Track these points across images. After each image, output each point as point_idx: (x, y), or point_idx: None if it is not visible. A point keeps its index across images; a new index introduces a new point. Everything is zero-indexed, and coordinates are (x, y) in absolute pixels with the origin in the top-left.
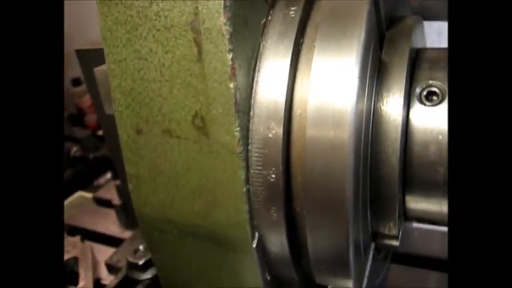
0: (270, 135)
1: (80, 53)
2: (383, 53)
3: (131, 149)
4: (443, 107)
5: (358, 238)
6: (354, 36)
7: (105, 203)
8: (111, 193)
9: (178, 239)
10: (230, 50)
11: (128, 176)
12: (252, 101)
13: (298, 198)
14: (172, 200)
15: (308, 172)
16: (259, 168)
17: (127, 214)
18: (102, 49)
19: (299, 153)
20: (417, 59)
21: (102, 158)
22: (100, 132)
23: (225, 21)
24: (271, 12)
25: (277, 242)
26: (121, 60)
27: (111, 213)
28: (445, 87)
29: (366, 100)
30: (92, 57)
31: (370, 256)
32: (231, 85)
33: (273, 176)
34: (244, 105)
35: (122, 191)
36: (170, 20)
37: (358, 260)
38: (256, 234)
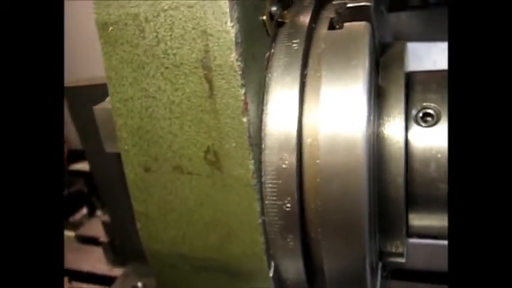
0: (284, 166)
1: (67, 90)
2: (380, 79)
3: (139, 187)
4: (440, 127)
5: (372, 259)
6: (359, 65)
7: (90, 241)
8: (94, 230)
9: (191, 274)
10: (243, 85)
11: (136, 214)
12: (263, 134)
13: (312, 224)
14: (184, 235)
15: (323, 198)
16: (274, 198)
17: (115, 251)
18: (91, 86)
19: (311, 180)
20: (409, 83)
21: (76, 193)
22: (73, 168)
23: (237, 57)
24: (273, 45)
25: (294, 269)
26: (127, 99)
27: (96, 251)
28: (439, 108)
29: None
30: (79, 95)
31: (379, 275)
32: (244, 119)
33: (288, 205)
34: (256, 138)
35: (110, 228)
36: (179, 58)
37: (372, 281)
38: (272, 264)
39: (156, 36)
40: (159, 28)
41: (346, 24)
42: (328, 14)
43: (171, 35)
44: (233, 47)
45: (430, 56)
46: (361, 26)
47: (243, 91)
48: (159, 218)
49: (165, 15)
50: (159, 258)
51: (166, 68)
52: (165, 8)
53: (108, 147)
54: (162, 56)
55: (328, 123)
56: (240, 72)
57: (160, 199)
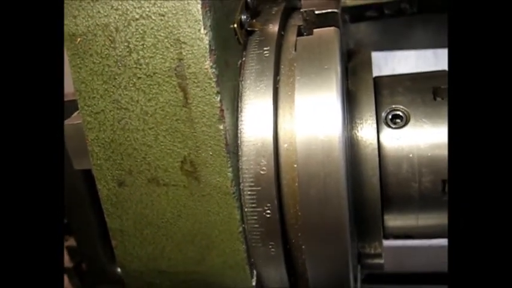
0: (262, 172)
1: None
2: (349, 83)
3: (113, 203)
4: (409, 128)
5: (354, 262)
6: (332, 69)
7: None
8: None
9: None
10: (218, 93)
11: (111, 232)
12: (239, 141)
13: (293, 230)
14: (162, 250)
15: (303, 202)
16: (254, 205)
17: (80, 277)
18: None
19: (290, 185)
20: (376, 87)
21: None
22: None
23: (211, 64)
24: (244, 53)
25: (277, 277)
26: (98, 112)
27: None
28: (407, 109)
29: None
30: None
31: (359, 278)
32: (221, 127)
33: (268, 211)
34: (233, 146)
35: (75, 251)
36: (152, 67)
37: (354, 284)
38: (255, 272)
39: (128, 46)
40: (130, 38)
41: (316, 30)
42: (296, 22)
43: (143, 45)
44: (207, 54)
45: (388, 64)
46: (330, 31)
47: (218, 98)
48: (135, 233)
49: (136, 25)
50: (136, 276)
51: (139, 78)
52: (136, 17)
53: (77, 165)
54: (134, 66)
55: (304, 128)
56: (215, 80)
57: (135, 214)
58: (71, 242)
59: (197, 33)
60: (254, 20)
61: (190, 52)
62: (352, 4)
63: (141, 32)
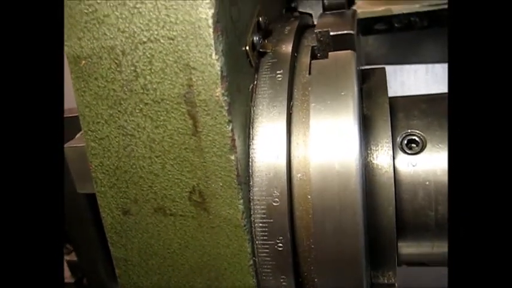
0: (274, 204)
1: None
2: (364, 107)
3: (117, 232)
4: (426, 154)
5: None
6: (349, 95)
7: None
8: None
9: None
10: (229, 121)
11: (115, 261)
12: (251, 170)
13: (306, 263)
14: (168, 281)
15: (317, 235)
16: (265, 238)
17: None
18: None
19: (304, 217)
20: (391, 109)
21: None
22: None
23: (223, 91)
24: (256, 76)
25: None
26: (103, 137)
27: None
28: (424, 134)
29: None
30: None
31: None
32: (232, 157)
33: (280, 244)
34: (245, 176)
35: (76, 266)
36: (160, 93)
37: None
38: None
39: (135, 70)
40: (137, 62)
41: (331, 53)
42: (309, 42)
43: (150, 69)
44: (218, 81)
45: (397, 78)
46: (347, 55)
47: (229, 127)
48: (140, 263)
49: (143, 48)
50: None
51: (146, 104)
52: (144, 40)
53: (80, 188)
54: (141, 91)
55: (319, 157)
56: (226, 108)
57: (141, 243)
58: (72, 257)
59: (208, 58)
60: (266, 41)
61: (200, 78)
62: (360, 17)
63: (149, 55)
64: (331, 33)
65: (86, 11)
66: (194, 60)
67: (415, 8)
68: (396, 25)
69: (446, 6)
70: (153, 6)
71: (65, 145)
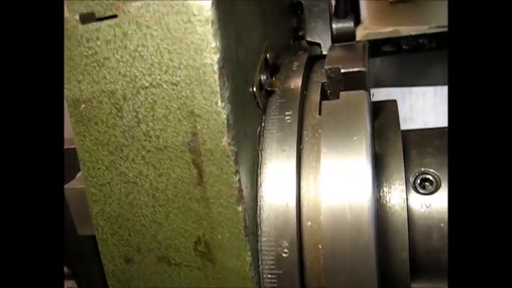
0: (284, 255)
1: None
2: (376, 146)
3: (119, 280)
4: (440, 194)
5: None
6: (362, 140)
7: None
8: None
9: None
10: (236, 172)
11: None
12: (259, 219)
13: None
14: None
15: (329, 286)
16: None
17: None
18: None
19: (314, 266)
20: (403, 146)
21: None
22: None
23: (229, 140)
24: (263, 117)
25: None
26: (104, 184)
27: None
28: (438, 173)
29: None
30: None
31: None
32: (239, 208)
33: None
34: (252, 226)
35: None
36: (163, 141)
37: None
38: None
39: (136, 116)
40: (139, 107)
41: (343, 93)
42: (319, 77)
43: (153, 115)
44: (225, 130)
45: (406, 101)
46: (359, 95)
47: (237, 178)
48: None
49: (145, 93)
50: None
51: (148, 151)
52: (146, 85)
53: (80, 230)
54: (143, 138)
55: (330, 204)
56: (233, 158)
57: None
58: (72, 284)
59: (213, 106)
60: (274, 78)
61: (205, 127)
62: (367, 38)
63: (151, 101)
64: (342, 71)
65: (85, 53)
66: (199, 108)
67: (423, 29)
68: (404, 47)
69: None
70: (155, 50)
71: (65, 186)
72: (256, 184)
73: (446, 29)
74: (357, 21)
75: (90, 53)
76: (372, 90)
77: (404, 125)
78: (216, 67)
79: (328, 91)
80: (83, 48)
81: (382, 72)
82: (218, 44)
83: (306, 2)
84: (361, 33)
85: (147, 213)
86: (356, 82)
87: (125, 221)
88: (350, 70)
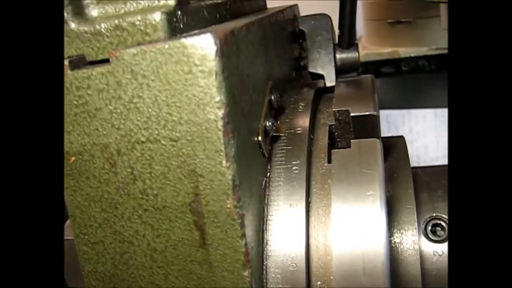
0: None
1: None
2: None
3: None
4: None
5: None
6: (376, 196)
7: None
8: None
9: None
10: (243, 235)
11: None
12: (265, 280)
13: None
14: None
15: None
16: None
17: None
18: None
19: None
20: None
21: None
22: None
23: (235, 203)
24: (269, 166)
25: None
26: (96, 242)
27: None
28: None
29: None
30: None
31: None
32: (246, 273)
33: None
34: None
35: None
36: (162, 200)
37: None
38: None
39: (132, 173)
40: (134, 163)
41: (354, 141)
42: (326, 119)
43: (150, 173)
44: (230, 192)
45: (405, 123)
46: (372, 145)
47: (243, 242)
48: None
49: (141, 149)
50: None
51: (146, 210)
52: (142, 140)
53: (70, 282)
54: (140, 196)
55: (342, 268)
56: (239, 221)
57: None
58: None
59: (217, 166)
60: (279, 122)
61: (208, 187)
62: (366, 59)
63: (148, 157)
64: (352, 114)
65: (75, 102)
66: (201, 167)
67: (423, 51)
68: (404, 68)
69: None
70: (153, 102)
71: None
72: (262, 242)
73: (446, 51)
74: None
75: (80, 102)
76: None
77: None
78: (220, 124)
79: (336, 133)
80: (73, 96)
81: (381, 94)
82: (223, 97)
83: (308, 30)
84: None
85: (144, 274)
86: (366, 126)
87: (119, 282)
88: (360, 114)
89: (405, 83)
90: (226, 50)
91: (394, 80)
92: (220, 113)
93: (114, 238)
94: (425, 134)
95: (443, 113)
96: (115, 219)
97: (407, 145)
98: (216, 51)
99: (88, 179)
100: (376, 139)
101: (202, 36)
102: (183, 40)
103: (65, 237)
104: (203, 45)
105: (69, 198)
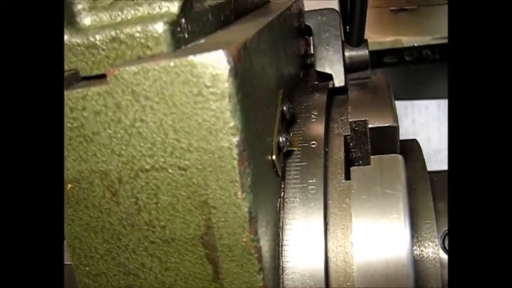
0: None
1: None
2: None
3: None
4: None
5: None
6: (400, 220)
7: None
8: None
9: None
10: (260, 270)
11: None
12: None
13: None
14: None
15: None
16: None
17: None
18: None
19: None
20: None
21: None
22: None
23: (252, 236)
24: (282, 185)
25: None
26: (98, 274)
27: None
28: None
29: None
30: None
31: None
32: None
33: None
34: None
35: None
36: (170, 232)
37: None
38: None
39: (136, 203)
40: (138, 193)
41: (374, 158)
42: (340, 128)
43: (156, 203)
44: (246, 225)
45: (408, 115)
46: (393, 162)
47: (260, 276)
48: None
49: (146, 178)
50: None
51: (152, 242)
52: (146, 167)
53: None
54: (145, 227)
55: None
56: (256, 255)
57: None
58: None
59: (232, 197)
60: (291, 134)
61: (222, 219)
62: (369, 49)
63: (154, 187)
64: (370, 126)
65: (69, 125)
66: (214, 198)
67: (427, 40)
68: (407, 58)
69: None
70: (157, 127)
71: None
72: (278, 268)
73: None
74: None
75: (75, 125)
76: None
77: None
78: (235, 152)
79: (351, 144)
80: (66, 118)
81: None
82: (237, 122)
83: (315, 26)
84: None
85: None
86: (385, 138)
87: None
88: (379, 125)
89: (408, 73)
90: (240, 68)
91: (396, 70)
92: (235, 140)
93: (118, 270)
94: (428, 125)
95: (446, 104)
96: (118, 250)
97: (410, 136)
98: (230, 71)
99: (87, 208)
100: (399, 156)
101: (214, 53)
102: (191, 58)
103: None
104: (214, 63)
105: (66, 228)
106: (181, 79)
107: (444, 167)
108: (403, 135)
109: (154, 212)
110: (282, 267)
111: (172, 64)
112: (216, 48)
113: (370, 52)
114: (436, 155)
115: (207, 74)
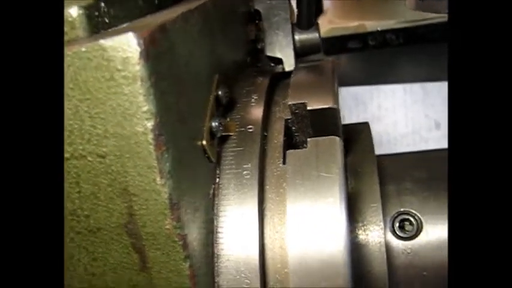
0: None
1: None
2: (349, 186)
3: None
4: (422, 238)
5: None
6: (335, 203)
7: None
8: None
9: None
10: (186, 257)
11: None
12: None
13: None
14: None
15: None
16: None
17: None
18: None
19: None
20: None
21: None
22: None
23: (174, 223)
24: (217, 171)
25: None
26: None
27: None
28: (419, 213)
29: None
30: None
31: None
32: None
33: None
34: None
35: None
36: (94, 221)
37: None
38: None
39: None
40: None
41: (311, 141)
42: (281, 112)
43: (79, 192)
44: (167, 212)
45: (374, 99)
46: (330, 143)
47: (187, 264)
48: None
49: (67, 166)
50: None
51: (78, 233)
52: (66, 156)
53: None
54: (70, 217)
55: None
56: (180, 243)
57: None
58: None
59: (151, 183)
60: (228, 119)
61: (143, 207)
62: (332, 34)
63: (75, 175)
64: (309, 108)
65: None
66: (133, 185)
67: (391, 24)
68: (371, 43)
69: (423, 23)
70: (73, 114)
71: None
72: (213, 256)
73: (413, 24)
74: (320, 11)
75: None
76: (341, 89)
77: (372, 125)
78: (150, 136)
79: (293, 128)
80: None
81: (347, 70)
82: (151, 106)
83: (265, 11)
84: (325, 28)
85: None
86: (326, 120)
87: None
88: (318, 107)
89: (372, 58)
90: (154, 50)
91: (361, 55)
92: (150, 124)
93: None
94: (394, 110)
95: (412, 88)
96: None
97: (376, 122)
98: (140, 53)
99: None
100: (335, 137)
101: (123, 36)
102: (102, 41)
103: None
104: (125, 46)
105: None
106: (94, 64)
107: (411, 150)
108: (369, 120)
109: (78, 201)
110: (217, 255)
111: (83, 49)
112: (126, 31)
113: (335, 38)
114: (403, 140)
115: (118, 57)
